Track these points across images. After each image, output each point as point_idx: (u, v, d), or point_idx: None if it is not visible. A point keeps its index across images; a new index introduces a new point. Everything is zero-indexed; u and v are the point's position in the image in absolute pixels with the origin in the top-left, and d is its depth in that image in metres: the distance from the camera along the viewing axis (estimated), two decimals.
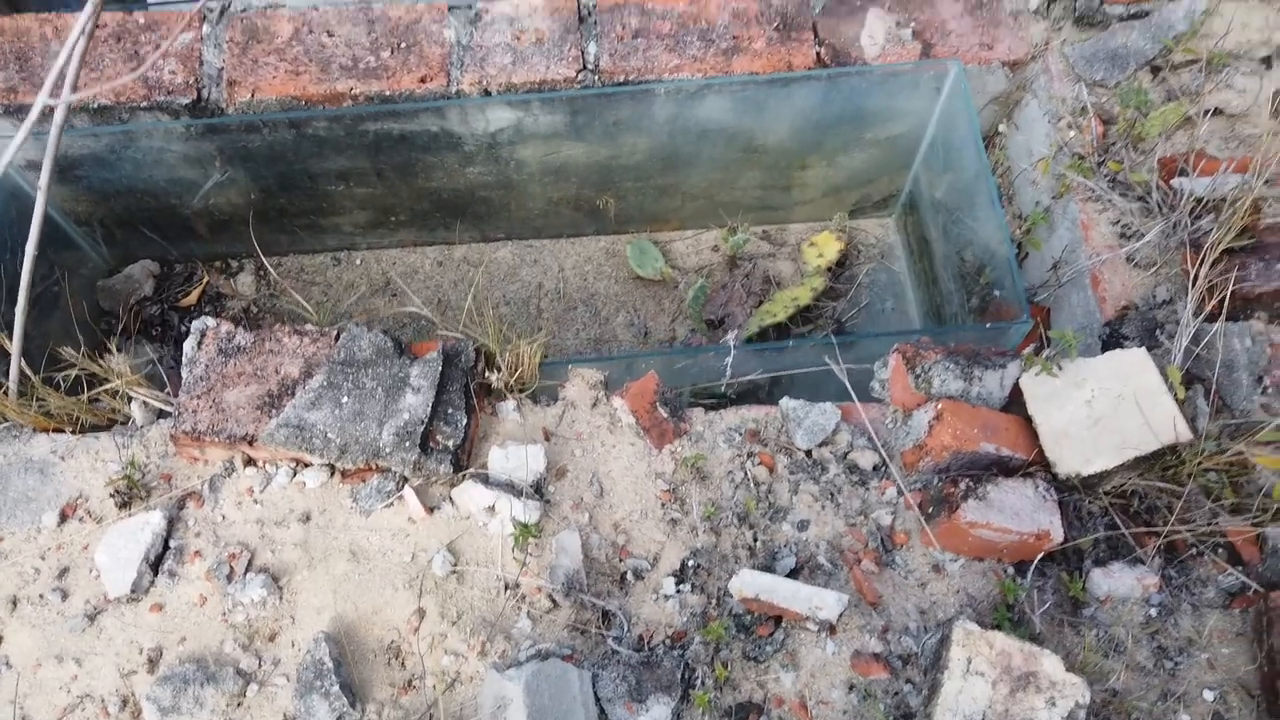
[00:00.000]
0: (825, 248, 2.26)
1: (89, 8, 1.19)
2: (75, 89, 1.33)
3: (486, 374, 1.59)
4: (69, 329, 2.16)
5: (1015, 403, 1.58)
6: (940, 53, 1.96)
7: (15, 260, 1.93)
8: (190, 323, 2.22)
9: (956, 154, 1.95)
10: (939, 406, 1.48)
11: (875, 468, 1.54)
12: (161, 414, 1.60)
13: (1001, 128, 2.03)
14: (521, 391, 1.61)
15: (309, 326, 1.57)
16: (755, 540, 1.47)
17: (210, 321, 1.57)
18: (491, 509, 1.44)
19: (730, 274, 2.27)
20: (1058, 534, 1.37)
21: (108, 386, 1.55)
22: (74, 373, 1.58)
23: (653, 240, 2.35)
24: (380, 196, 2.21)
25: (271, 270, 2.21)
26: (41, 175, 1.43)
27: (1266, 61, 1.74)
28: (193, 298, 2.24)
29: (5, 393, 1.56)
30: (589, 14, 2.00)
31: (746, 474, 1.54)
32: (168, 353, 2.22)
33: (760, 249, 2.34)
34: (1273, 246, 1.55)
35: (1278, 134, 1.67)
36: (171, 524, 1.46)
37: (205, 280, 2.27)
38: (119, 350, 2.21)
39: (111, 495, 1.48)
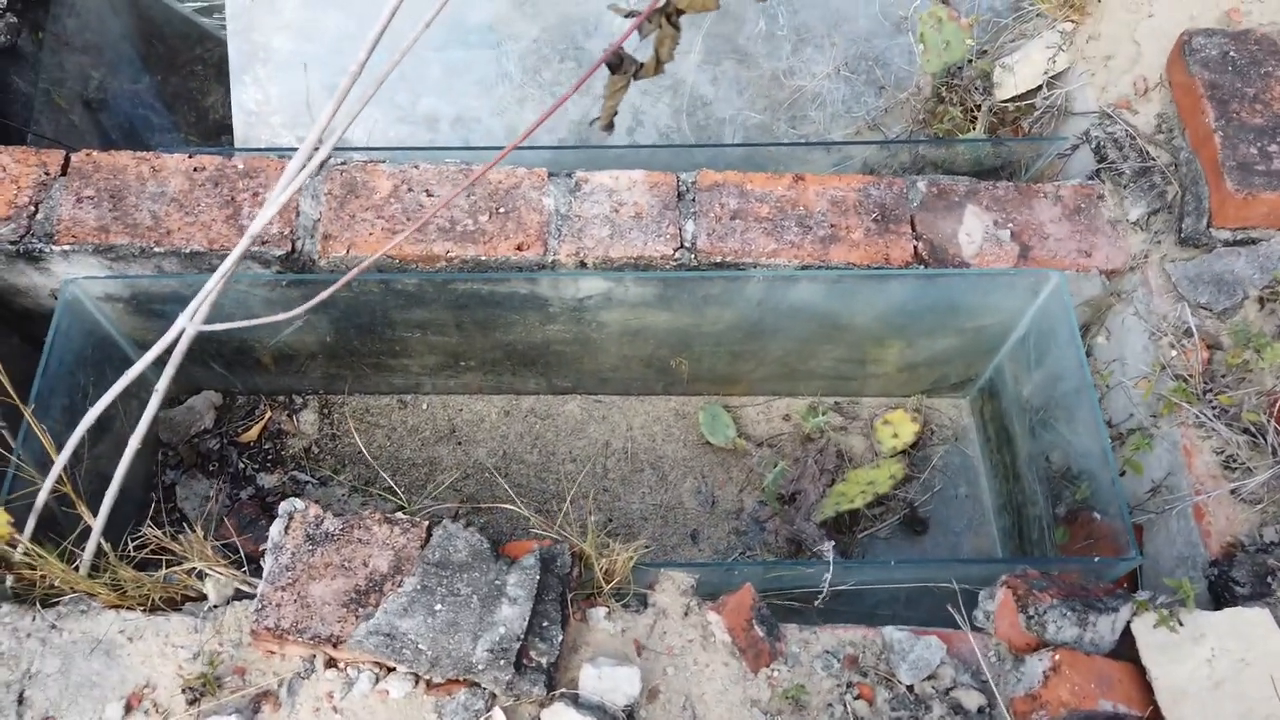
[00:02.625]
0: (901, 428, 2.22)
1: (221, 274, 1.16)
2: (204, 321, 1.31)
3: (582, 579, 1.53)
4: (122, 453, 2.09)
5: (1123, 642, 1.53)
6: (1038, 255, 1.95)
7: (85, 399, 1.89)
8: (246, 459, 2.17)
9: (1053, 361, 1.92)
10: (1056, 658, 1.42)
11: (980, 710, 1.47)
12: (237, 593, 1.53)
13: (1100, 339, 2.01)
14: (615, 598, 1.54)
15: (399, 515, 1.52)
16: None
17: (299, 504, 1.51)
18: None
19: (803, 448, 2.23)
20: None
21: (185, 566, 1.49)
22: (138, 540, 1.52)
23: (724, 405, 2.31)
24: (454, 344, 2.18)
25: (352, 427, 2.16)
26: (161, 380, 1.40)
27: None
28: (253, 433, 2.19)
29: (76, 566, 1.49)
30: (688, 191, 2.00)
31: (846, 708, 1.47)
32: (223, 489, 2.15)
33: (832, 420, 2.30)
34: None
35: None
36: None
37: (268, 416, 2.21)
38: (175, 485, 2.15)
39: (182, 690, 1.40)
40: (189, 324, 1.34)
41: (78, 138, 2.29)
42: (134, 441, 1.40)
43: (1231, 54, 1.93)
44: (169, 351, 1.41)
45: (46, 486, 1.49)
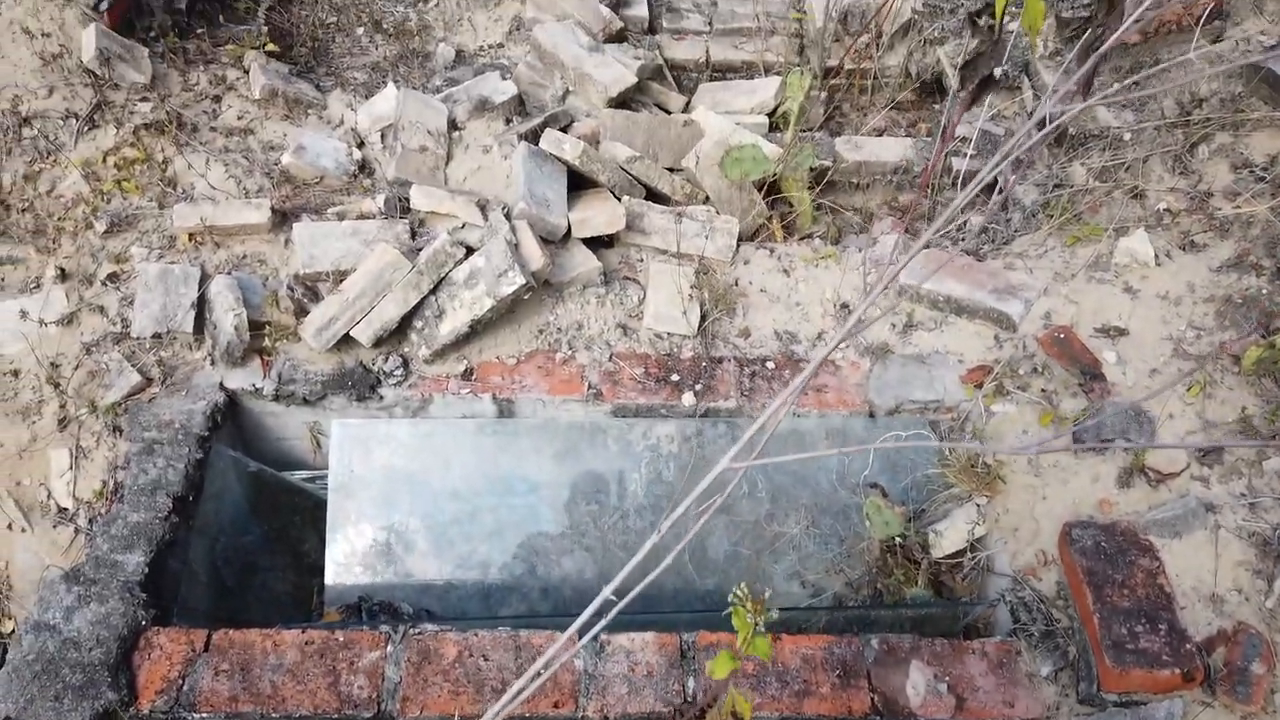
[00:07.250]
0: None
1: None
2: None
3: None
4: None
5: None
6: (971, 706, 2.43)
7: None
8: None
9: None
10: None
11: None
12: None
13: None
14: None
15: None
16: None
17: None
18: None
19: None
20: None
21: None
22: None
23: None
24: None
25: None
26: None
27: None
28: None
29: None
30: (689, 649, 2.53)
31: None
32: None
33: None
34: None
35: None
36: None
37: None
38: None
39: None
40: None
41: (202, 590, 2.87)
42: None
43: (1103, 543, 2.52)
44: None
45: None
